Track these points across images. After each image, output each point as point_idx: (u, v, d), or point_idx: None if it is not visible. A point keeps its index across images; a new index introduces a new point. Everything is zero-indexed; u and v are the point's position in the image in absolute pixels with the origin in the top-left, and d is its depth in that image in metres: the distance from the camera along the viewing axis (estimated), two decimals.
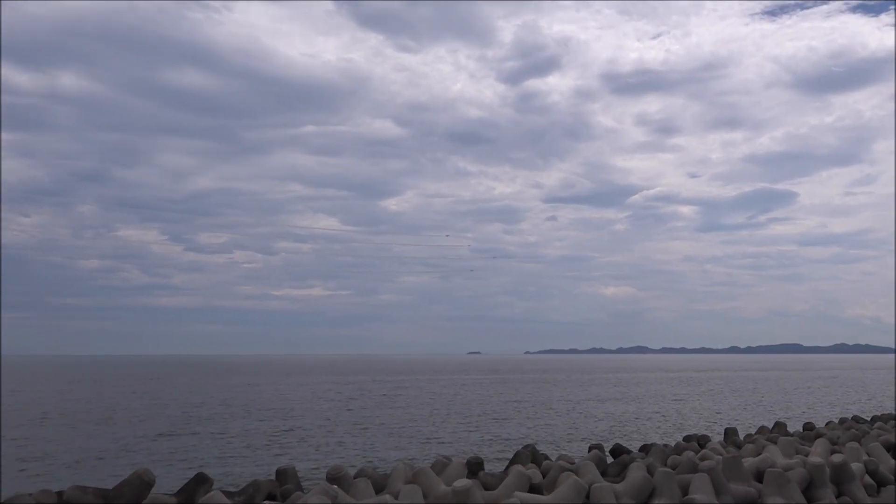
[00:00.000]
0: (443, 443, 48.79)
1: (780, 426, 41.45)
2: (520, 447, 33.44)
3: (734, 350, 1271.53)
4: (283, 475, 23.89)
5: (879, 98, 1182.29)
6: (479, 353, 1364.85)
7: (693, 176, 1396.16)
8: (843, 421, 44.35)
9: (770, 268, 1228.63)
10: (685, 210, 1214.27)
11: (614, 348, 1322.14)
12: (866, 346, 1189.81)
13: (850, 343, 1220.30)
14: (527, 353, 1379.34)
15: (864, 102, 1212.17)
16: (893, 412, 55.14)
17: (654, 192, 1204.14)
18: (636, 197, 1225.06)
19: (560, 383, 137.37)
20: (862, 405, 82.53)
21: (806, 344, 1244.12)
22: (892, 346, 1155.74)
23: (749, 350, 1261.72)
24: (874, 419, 47.43)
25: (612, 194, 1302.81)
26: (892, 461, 27.57)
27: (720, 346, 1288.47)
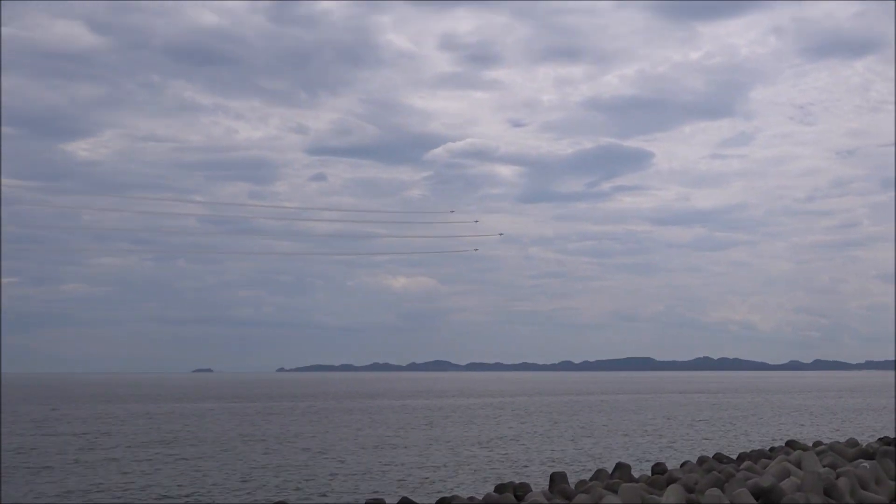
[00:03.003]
0: None
1: (622, 469, 44.14)
2: None
3: (566, 366, 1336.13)
4: None
5: (759, 30, 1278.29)
6: (210, 370, 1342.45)
7: (517, 124, 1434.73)
8: (702, 461, 47.95)
9: (615, 254, 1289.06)
10: (505, 171, 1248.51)
11: (405, 364, 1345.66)
12: (735, 360, 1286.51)
13: (715, 357, 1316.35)
14: (280, 370, 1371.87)
15: (741, 35, 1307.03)
16: (766, 450, 60.32)
17: (462, 144, 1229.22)
18: (438, 151, 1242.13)
19: (326, 415, 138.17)
20: (729, 440, 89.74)
21: (659, 358, 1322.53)
22: (767, 362, 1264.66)
23: (586, 366, 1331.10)
24: (742, 458, 51.72)
25: (405, 146, 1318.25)
26: None
27: (548, 361, 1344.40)
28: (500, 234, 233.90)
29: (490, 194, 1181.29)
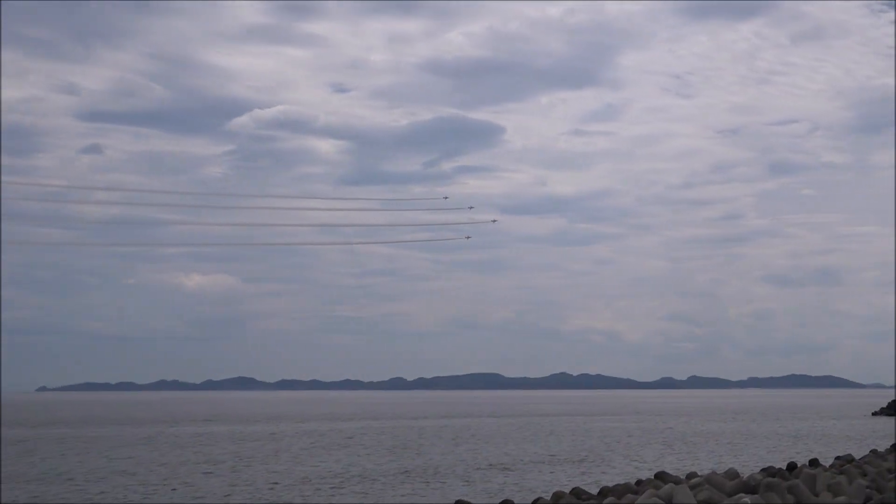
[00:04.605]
0: None
1: None
2: None
3: (398, 384, 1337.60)
4: None
5: None
6: None
7: (340, 89, 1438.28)
8: (558, 497, 48.73)
9: (457, 249, 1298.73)
10: (325, 147, 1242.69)
11: (199, 381, 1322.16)
12: (598, 377, 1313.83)
13: (575, 373, 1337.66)
14: (42, 389, 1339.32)
15: None
16: (633, 483, 61.66)
17: (273, 112, 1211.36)
18: (243, 119, 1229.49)
19: (101, 446, 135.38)
20: (589, 471, 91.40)
21: (508, 374, 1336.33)
22: (635, 379, 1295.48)
23: (421, 383, 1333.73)
24: (604, 492, 52.73)
25: (201, 113, 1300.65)
26: None
27: (376, 378, 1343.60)
28: (494, 221, 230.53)
29: (306, 174, 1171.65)
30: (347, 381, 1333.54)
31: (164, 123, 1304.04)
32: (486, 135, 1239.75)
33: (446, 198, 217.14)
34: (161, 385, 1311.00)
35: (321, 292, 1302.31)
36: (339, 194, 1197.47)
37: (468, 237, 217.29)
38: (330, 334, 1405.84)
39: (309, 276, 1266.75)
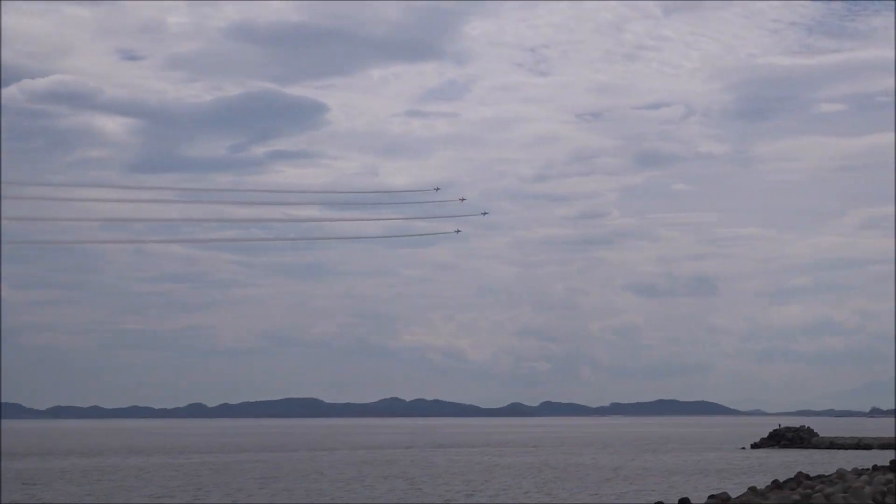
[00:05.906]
0: None
1: None
2: None
3: (197, 411, 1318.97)
4: None
5: None
6: None
7: (130, 57, 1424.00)
8: None
9: (274, 250, 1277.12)
10: (111, 125, 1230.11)
11: None
12: (435, 402, 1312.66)
13: (408, 398, 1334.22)
14: None
15: None
16: None
17: (47, 83, 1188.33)
18: (11, 91, 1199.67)
19: None
20: None
21: (330, 399, 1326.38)
22: (479, 405, 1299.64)
23: (225, 410, 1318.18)
24: None
25: None
26: None
27: (170, 404, 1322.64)
28: (485, 214, 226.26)
29: (87, 158, 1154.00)
30: (135, 407, 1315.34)
31: None
32: (306, 114, 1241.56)
33: (437, 189, 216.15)
34: None
35: (104, 301, 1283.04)
36: (130, 183, 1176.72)
37: (458, 230, 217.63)
38: (115, 351, 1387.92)
39: (90, 280, 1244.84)
